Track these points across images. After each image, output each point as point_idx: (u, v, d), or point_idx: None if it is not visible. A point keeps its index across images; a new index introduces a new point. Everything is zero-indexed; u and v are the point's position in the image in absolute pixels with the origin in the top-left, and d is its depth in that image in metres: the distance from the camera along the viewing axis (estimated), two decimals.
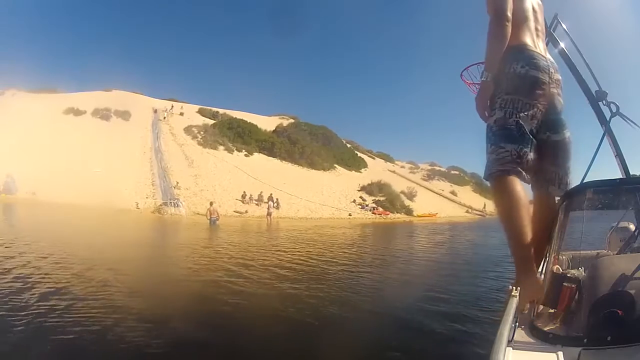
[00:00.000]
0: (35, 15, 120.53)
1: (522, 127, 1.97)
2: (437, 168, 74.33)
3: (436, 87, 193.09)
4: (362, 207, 40.03)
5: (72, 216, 17.78)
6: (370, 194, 44.27)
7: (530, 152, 1.99)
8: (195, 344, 4.77)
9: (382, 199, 43.25)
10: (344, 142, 65.04)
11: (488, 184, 2.08)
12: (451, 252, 16.83)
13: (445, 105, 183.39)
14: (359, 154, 64.67)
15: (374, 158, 70.77)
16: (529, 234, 1.88)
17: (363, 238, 21.96)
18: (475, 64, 2.41)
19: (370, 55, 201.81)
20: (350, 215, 36.70)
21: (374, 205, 41.10)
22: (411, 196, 48.93)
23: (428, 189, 59.45)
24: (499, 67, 2.04)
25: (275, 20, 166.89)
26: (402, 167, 72.91)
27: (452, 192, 62.58)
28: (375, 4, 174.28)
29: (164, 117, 51.21)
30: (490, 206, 57.74)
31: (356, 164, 59.16)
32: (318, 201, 37.02)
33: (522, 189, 1.96)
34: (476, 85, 2.36)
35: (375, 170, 60.33)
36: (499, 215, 1.98)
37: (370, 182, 47.00)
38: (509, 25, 2.03)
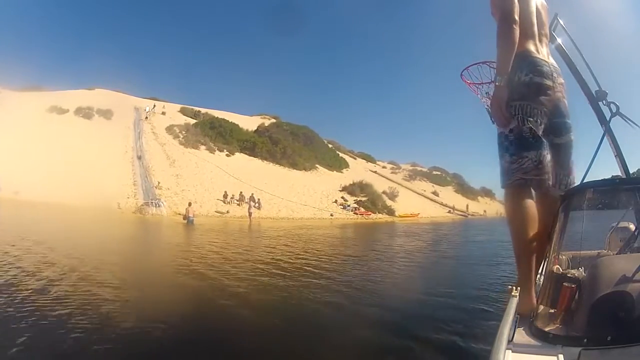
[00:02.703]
0: (26, 13, 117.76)
1: (535, 132, 2.04)
2: (419, 168, 75.19)
3: (419, 87, 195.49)
4: (344, 207, 40.14)
5: (54, 216, 17.83)
6: (351, 194, 44.36)
7: (547, 154, 2.08)
8: (187, 339, 4.70)
9: (363, 199, 43.44)
10: (326, 142, 65.24)
11: (503, 191, 2.15)
12: (450, 249, 17.09)
13: (427, 105, 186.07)
14: (341, 154, 64.90)
15: (355, 158, 71.10)
16: (534, 250, 2.00)
17: (348, 238, 21.99)
18: (476, 64, 2.40)
19: (354, 55, 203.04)
20: (332, 215, 36.72)
21: (355, 205, 41.26)
22: (393, 196, 49.30)
23: (410, 189, 60.01)
24: None
25: (272, 19, 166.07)
26: (384, 167, 73.51)
27: (434, 193, 63.43)
28: (364, 4, 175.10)
29: (146, 117, 50.65)
30: (472, 207, 58.92)
31: (337, 164, 59.28)
32: (299, 201, 36.98)
33: (534, 206, 2.06)
34: (477, 85, 2.36)
35: (357, 170, 60.61)
36: (510, 223, 2.08)
37: (351, 183, 47.13)
38: (517, 27, 2.04)
